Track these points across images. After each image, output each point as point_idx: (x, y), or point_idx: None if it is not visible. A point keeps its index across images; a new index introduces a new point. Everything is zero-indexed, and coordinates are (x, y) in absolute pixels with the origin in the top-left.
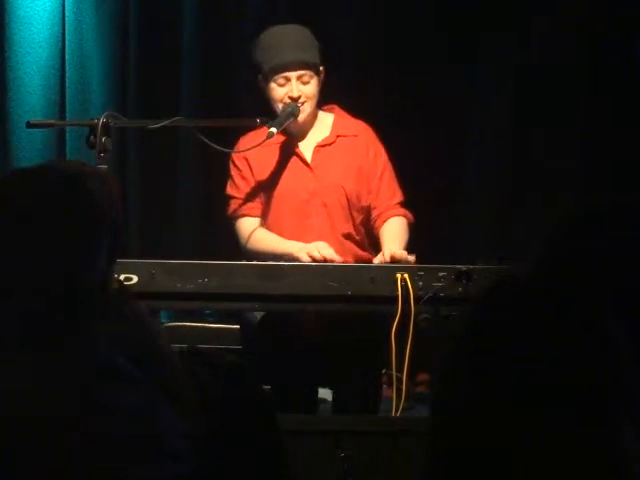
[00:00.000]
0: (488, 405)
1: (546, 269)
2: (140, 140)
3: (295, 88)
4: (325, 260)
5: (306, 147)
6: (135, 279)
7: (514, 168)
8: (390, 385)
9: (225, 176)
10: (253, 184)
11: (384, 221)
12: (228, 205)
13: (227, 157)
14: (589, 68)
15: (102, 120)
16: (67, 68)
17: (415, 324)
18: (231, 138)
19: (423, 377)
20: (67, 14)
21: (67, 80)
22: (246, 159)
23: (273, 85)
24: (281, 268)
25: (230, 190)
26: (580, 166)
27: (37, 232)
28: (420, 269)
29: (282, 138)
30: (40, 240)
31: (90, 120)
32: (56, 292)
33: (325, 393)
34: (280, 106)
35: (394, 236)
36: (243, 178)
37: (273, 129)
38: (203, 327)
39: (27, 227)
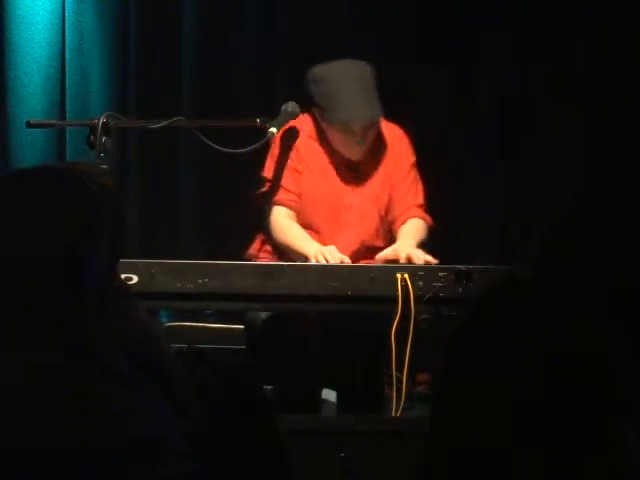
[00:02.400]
0: (488, 405)
1: (546, 269)
2: (140, 140)
3: (361, 142)
4: None
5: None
6: (135, 279)
7: (514, 168)
8: (390, 385)
9: (225, 175)
10: (299, 178)
11: (403, 222)
12: (267, 190)
13: (227, 157)
14: (591, 68)
15: (102, 120)
16: (67, 68)
17: (415, 324)
18: (231, 138)
19: (423, 377)
20: (67, 14)
21: (67, 80)
22: (297, 150)
23: (332, 130)
24: (281, 268)
25: (277, 179)
26: (580, 166)
27: (36, 232)
28: (420, 269)
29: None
30: (39, 240)
31: (90, 120)
32: (56, 292)
33: (326, 393)
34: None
35: (407, 233)
36: (294, 169)
37: (273, 129)
38: (203, 327)
39: (26, 227)
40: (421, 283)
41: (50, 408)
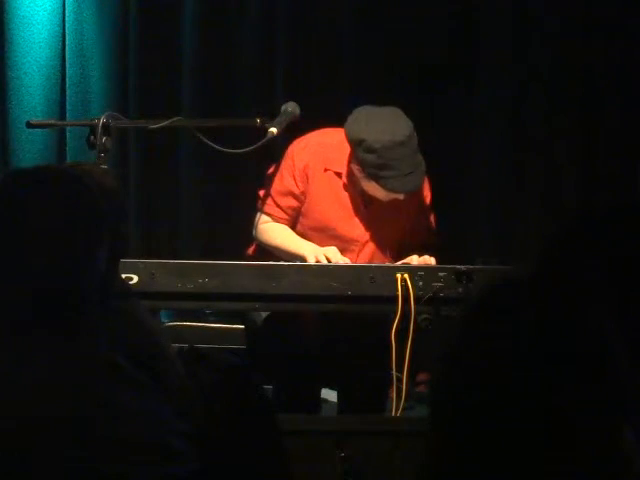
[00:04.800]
0: (487, 405)
1: (546, 270)
2: (140, 140)
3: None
4: None
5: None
6: (135, 279)
7: (514, 168)
8: (390, 385)
9: (225, 175)
10: (297, 204)
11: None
12: (263, 196)
13: (227, 157)
14: (591, 67)
15: (102, 120)
16: (67, 68)
17: (415, 324)
18: (231, 138)
19: (423, 377)
20: (67, 14)
21: (67, 80)
22: (307, 176)
23: (372, 185)
24: (281, 268)
25: (272, 191)
26: (581, 166)
27: (37, 232)
28: (420, 269)
29: (345, 180)
30: (40, 240)
31: (90, 120)
32: (56, 293)
33: (327, 394)
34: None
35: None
36: (292, 193)
37: (273, 129)
38: (203, 327)
39: (27, 228)
40: (421, 283)
41: (50, 408)
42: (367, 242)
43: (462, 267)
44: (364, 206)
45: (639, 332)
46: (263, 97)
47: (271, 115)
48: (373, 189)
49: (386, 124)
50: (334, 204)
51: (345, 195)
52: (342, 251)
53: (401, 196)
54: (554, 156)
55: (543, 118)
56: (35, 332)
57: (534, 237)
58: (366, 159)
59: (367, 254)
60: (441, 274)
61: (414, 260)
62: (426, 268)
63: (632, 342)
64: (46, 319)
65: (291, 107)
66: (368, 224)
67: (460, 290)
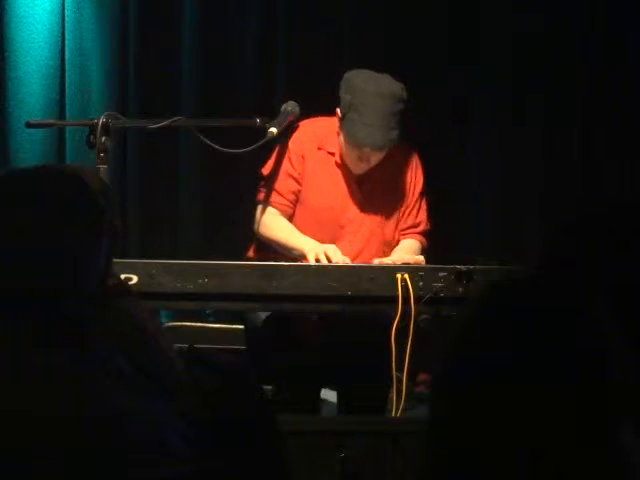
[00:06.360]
0: (487, 405)
1: (546, 270)
2: (140, 140)
3: (366, 161)
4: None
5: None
6: (135, 279)
7: (515, 168)
8: (390, 385)
9: (225, 175)
10: (297, 187)
11: (398, 241)
12: (262, 188)
13: (227, 157)
14: (591, 67)
15: (102, 120)
16: (67, 68)
17: (415, 324)
18: (231, 138)
19: (423, 377)
20: (67, 14)
21: (67, 80)
22: (303, 157)
23: (341, 137)
24: (281, 268)
25: (270, 180)
26: (581, 166)
27: (37, 233)
28: (420, 269)
29: (338, 159)
30: (40, 240)
31: (90, 120)
32: (56, 293)
33: (327, 394)
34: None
35: (400, 249)
36: (290, 176)
37: (273, 129)
38: (203, 327)
39: (27, 228)
40: (421, 283)
41: (50, 408)
42: (363, 221)
43: (462, 267)
44: (357, 184)
45: (639, 332)
46: (263, 97)
47: (271, 115)
48: (345, 154)
49: (379, 78)
50: (328, 182)
51: (338, 173)
52: (340, 237)
53: (363, 161)
54: (554, 156)
55: (543, 116)
56: (33, 332)
57: (534, 237)
58: (342, 99)
59: (364, 234)
60: (441, 274)
61: (405, 259)
62: (426, 268)
63: (632, 342)
64: (45, 318)
65: (291, 107)
66: (362, 202)
67: (460, 290)
